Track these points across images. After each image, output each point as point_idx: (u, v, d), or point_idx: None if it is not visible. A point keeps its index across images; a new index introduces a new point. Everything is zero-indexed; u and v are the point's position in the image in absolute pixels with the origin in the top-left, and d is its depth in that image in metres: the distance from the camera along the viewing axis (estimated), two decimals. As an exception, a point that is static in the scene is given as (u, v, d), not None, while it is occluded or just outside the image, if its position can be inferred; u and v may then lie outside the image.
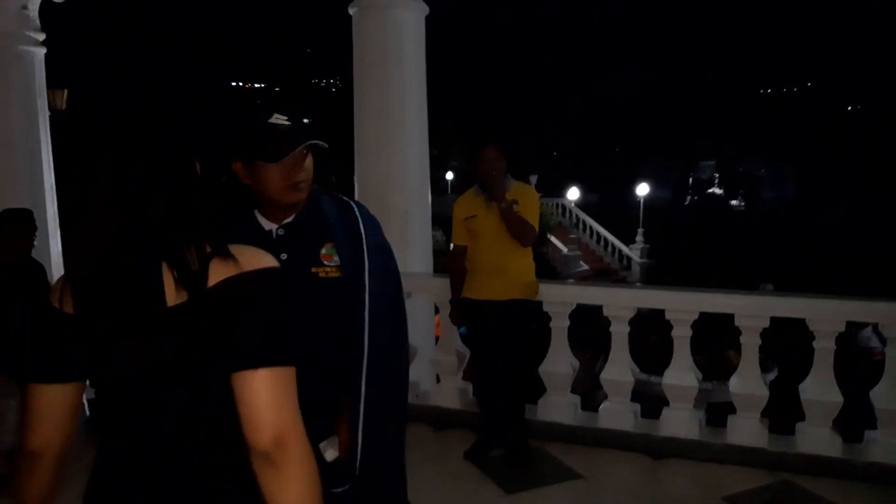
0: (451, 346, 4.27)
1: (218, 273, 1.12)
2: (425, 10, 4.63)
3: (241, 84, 73.81)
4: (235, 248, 1.17)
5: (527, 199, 3.66)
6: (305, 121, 1.71)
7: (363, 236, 1.76)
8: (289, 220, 1.74)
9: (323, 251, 1.71)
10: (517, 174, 3.87)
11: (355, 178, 4.54)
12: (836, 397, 3.54)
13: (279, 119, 1.64)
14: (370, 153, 4.58)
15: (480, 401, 3.94)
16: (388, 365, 1.76)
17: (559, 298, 3.97)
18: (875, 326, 7.51)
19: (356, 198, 4.34)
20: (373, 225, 1.82)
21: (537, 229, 3.66)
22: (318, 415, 1.73)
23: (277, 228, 1.74)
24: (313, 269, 1.70)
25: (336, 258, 1.71)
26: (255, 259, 1.18)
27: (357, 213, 1.80)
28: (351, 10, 4.60)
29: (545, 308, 3.97)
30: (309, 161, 1.69)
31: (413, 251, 4.56)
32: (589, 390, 4.95)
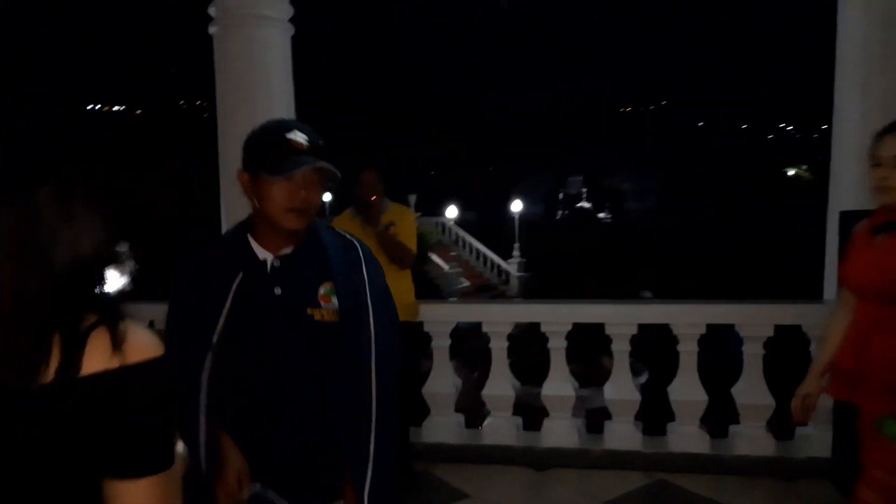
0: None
1: (95, 357, 0.88)
2: (291, 29, 4.51)
3: (100, 107, 69.38)
4: (127, 327, 0.91)
5: (403, 220, 3.63)
6: (322, 146, 1.58)
7: (366, 278, 1.63)
8: (287, 250, 1.60)
9: (322, 291, 1.58)
10: (395, 195, 3.84)
11: (222, 206, 4.32)
12: (701, 396, 3.75)
13: (297, 136, 1.53)
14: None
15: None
16: (392, 415, 1.63)
17: (439, 318, 3.96)
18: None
19: (223, 227, 4.14)
20: (374, 265, 1.69)
21: (415, 251, 3.64)
22: (313, 471, 1.60)
23: (273, 259, 1.59)
24: (309, 311, 1.56)
25: (334, 300, 1.57)
26: (143, 346, 0.92)
27: (360, 252, 1.68)
28: (212, 30, 4.40)
29: (426, 328, 3.95)
30: (317, 189, 1.56)
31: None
32: (476, 407, 4.97)
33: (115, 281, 0.94)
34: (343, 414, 1.57)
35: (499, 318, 3.96)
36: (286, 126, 1.56)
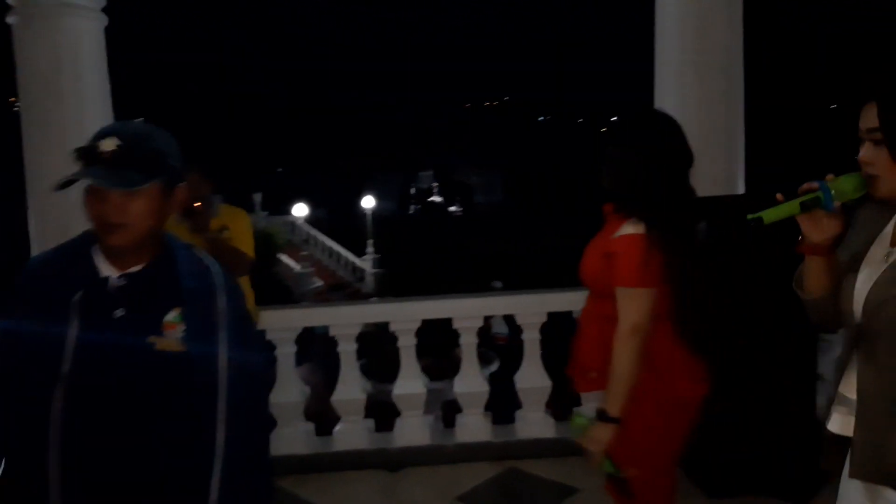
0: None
1: None
2: (104, 20, 4.11)
3: None
4: None
5: (237, 223, 3.42)
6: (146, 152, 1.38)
7: (221, 307, 1.46)
8: (135, 269, 1.42)
9: (168, 317, 1.40)
10: (237, 195, 3.61)
11: (29, 210, 3.86)
12: (545, 382, 3.88)
13: (105, 144, 1.34)
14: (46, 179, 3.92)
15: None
16: (247, 464, 1.47)
17: (282, 324, 3.80)
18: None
19: (31, 236, 3.71)
20: (234, 292, 1.51)
21: (252, 255, 3.45)
22: None
23: (117, 277, 1.41)
24: (151, 339, 1.38)
25: (181, 328, 1.40)
26: None
27: (217, 277, 1.49)
28: (11, 20, 3.91)
29: (269, 336, 3.77)
30: (119, 202, 1.35)
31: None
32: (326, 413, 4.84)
33: None
34: (184, 454, 1.43)
35: (346, 321, 3.86)
36: (104, 132, 1.39)
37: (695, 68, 3.80)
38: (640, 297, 1.98)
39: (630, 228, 2.00)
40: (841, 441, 1.57)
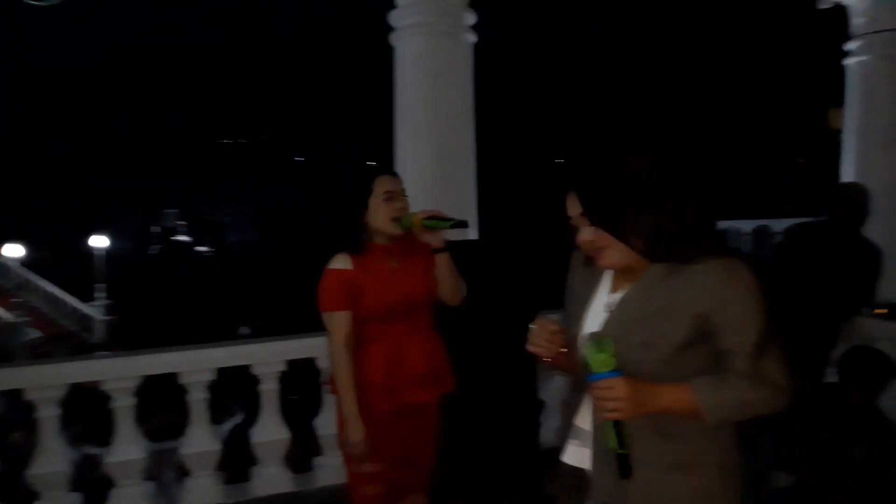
0: None
1: None
2: None
3: None
4: None
5: None
6: None
7: None
8: None
9: None
10: None
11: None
12: (284, 434, 3.68)
13: None
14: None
15: None
16: None
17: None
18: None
19: None
20: None
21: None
22: None
23: None
24: None
25: None
26: None
27: None
28: None
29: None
30: None
31: None
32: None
33: None
34: None
35: (47, 382, 3.29)
36: None
37: (429, 124, 4.03)
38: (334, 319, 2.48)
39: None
40: (577, 471, 1.68)
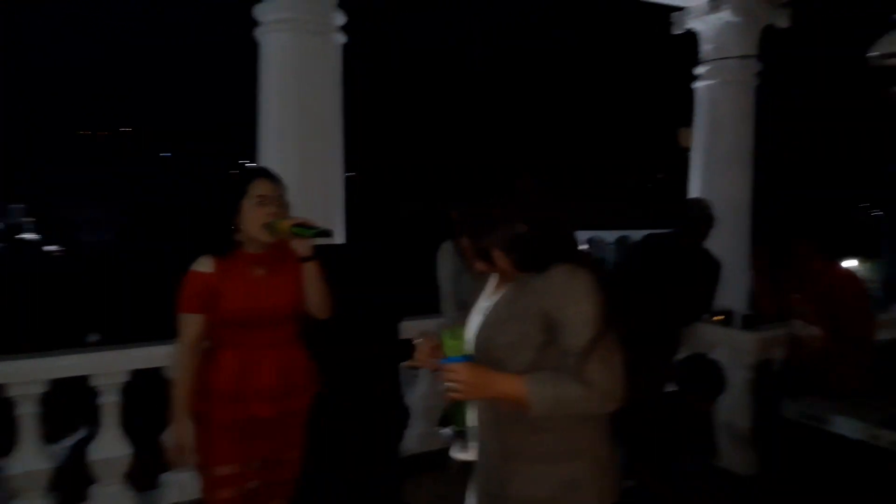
0: None
1: None
2: None
3: None
4: None
5: None
6: None
7: None
8: None
9: None
10: None
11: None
12: (125, 451, 3.41)
13: None
14: None
15: None
16: None
17: None
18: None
19: None
20: None
21: None
22: None
23: None
24: None
25: None
26: None
27: None
28: None
29: None
30: None
31: None
32: None
33: None
34: None
35: None
36: None
37: (295, 132, 3.93)
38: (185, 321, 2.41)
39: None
40: (465, 465, 1.83)
